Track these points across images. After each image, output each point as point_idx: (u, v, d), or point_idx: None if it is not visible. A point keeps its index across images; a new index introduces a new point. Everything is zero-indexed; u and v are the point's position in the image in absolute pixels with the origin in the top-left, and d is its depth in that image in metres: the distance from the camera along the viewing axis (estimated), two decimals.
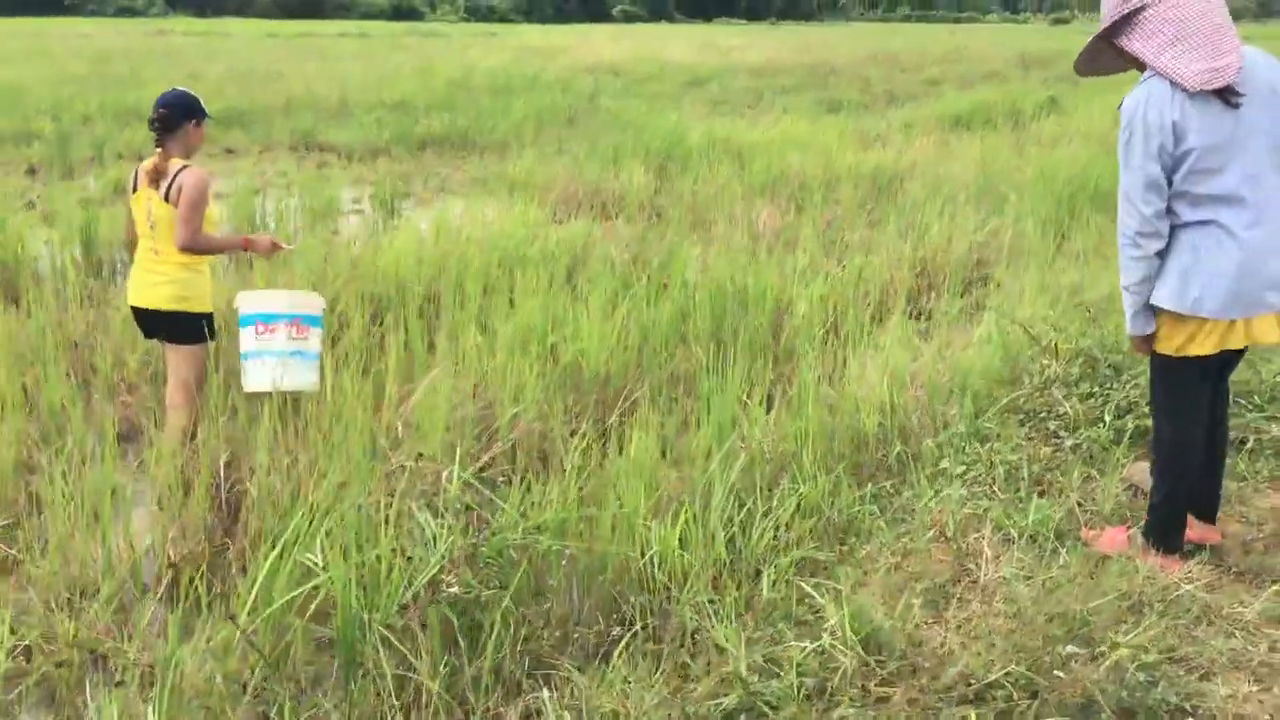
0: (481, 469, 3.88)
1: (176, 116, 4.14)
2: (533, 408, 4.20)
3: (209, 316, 4.25)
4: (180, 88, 4.30)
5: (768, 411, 4.19)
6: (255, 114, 15.47)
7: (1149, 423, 3.65)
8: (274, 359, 4.10)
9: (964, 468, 3.63)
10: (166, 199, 4.04)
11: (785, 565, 3.12)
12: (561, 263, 6.38)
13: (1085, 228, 7.27)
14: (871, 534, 3.35)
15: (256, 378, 4.13)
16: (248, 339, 4.16)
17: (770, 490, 3.56)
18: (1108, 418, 3.78)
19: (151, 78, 18.88)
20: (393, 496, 3.25)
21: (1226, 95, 2.78)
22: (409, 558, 2.84)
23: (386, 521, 3.06)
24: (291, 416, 3.99)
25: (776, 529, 3.36)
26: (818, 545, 3.32)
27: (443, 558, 2.85)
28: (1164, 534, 3.05)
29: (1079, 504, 3.36)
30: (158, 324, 4.22)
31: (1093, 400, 3.99)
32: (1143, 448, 3.71)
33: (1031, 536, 3.12)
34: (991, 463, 3.58)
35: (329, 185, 10.08)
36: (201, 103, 4.23)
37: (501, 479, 3.59)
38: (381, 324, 5.33)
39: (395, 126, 13.96)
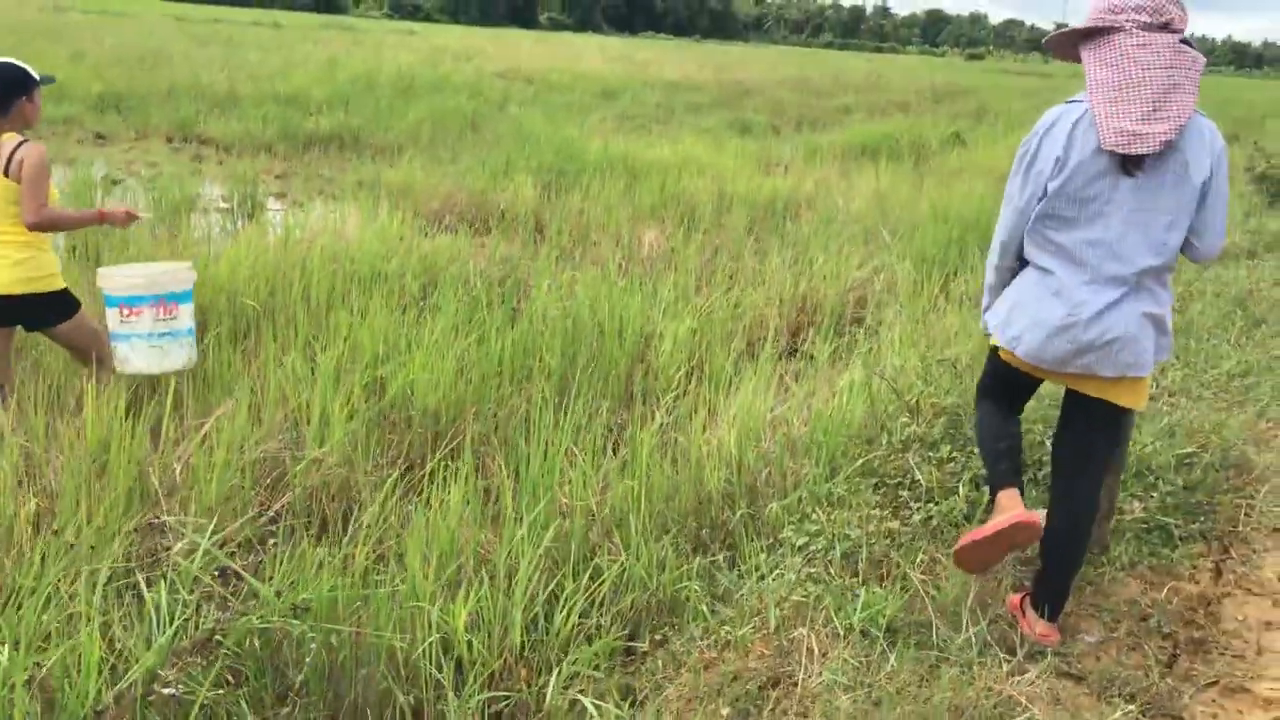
0: (269, 523, 3.39)
1: (6, 95, 3.86)
2: (338, 449, 3.72)
3: (64, 292, 4.03)
4: (5, 59, 3.95)
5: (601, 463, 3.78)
6: (134, 99, 14.61)
7: None
8: (143, 342, 4.01)
9: (806, 539, 3.27)
10: (6, 175, 3.79)
11: (587, 658, 2.72)
12: (417, 282, 5.90)
13: (971, 270, 7.06)
14: (694, 618, 2.97)
15: (127, 360, 4.04)
16: (113, 320, 4.04)
17: (590, 560, 3.17)
18: (962, 489, 3.46)
19: (31, 56, 17.71)
20: (130, 562, 2.75)
21: (1127, 163, 2.64)
22: (117, 649, 2.35)
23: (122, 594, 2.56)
24: (49, 447, 3.44)
25: (589, 608, 2.96)
26: (630, 632, 2.92)
27: (164, 648, 2.38)
28: (992, 484, 3.03)
29: (921, 592, 3.02)
30: (6, 312, 3.91)
31: (951, 466, 3.68)
32: None
33: (863, 631, 2.77)
34: (833, 536, 3.23)
35: (194, 180, 9.42)
36: (31, 72, 3.94)
37: (273, 541, 3.10)
38: (201, 342, 4.78)
39: (283, 121, 13.27)
